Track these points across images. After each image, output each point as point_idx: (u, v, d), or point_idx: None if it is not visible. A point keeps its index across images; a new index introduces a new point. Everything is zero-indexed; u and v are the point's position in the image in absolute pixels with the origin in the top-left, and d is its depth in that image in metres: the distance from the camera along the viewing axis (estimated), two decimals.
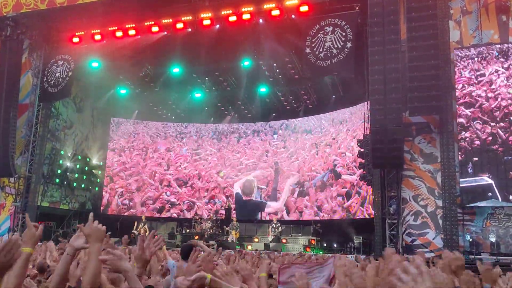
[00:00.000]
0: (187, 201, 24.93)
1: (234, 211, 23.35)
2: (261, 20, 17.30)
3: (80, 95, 23.06)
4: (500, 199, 13.71)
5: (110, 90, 23.60)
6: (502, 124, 14.10)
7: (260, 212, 23.44)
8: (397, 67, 14.43)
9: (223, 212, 23.40)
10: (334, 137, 22.37)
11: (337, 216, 21.27)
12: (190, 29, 18.03)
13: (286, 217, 22.86)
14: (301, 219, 22.43)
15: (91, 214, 2.51)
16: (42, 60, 20.44)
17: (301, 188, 23.13)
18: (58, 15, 18.72)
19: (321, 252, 17.29)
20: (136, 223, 20.87)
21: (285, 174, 23.86)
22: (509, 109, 14.05)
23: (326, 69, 16.25)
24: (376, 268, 2.55)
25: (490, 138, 14.13)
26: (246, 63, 20.64)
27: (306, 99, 23.43)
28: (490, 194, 13.86)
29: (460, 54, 14.83)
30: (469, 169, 14.33)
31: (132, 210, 24.55)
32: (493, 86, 14.33)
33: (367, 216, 19.04)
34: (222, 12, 17.34)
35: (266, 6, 16.92)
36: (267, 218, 22.79)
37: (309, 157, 23.37)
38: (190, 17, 17.85)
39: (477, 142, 14.25)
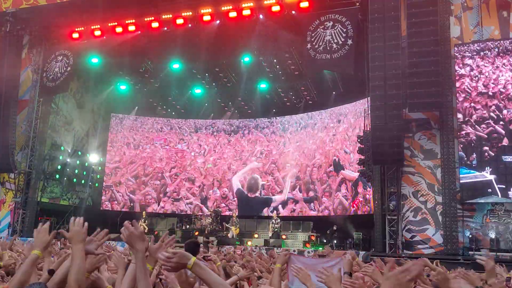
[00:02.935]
0: (187, 196, 24.94)
1: (236, 208, 23.57)
2: (261, 16, 17.26)
3: (80, 91, 23.06)
4: (500, 195, 13.71)
5: (110, 86, 23.61)
6: (502, 120, 14.08)
7: (265, 208, 23.48)
8: (397, 63, 14.41)
9: (224, 206, 23.56)
10: (334, 133, 22.37)
11: (337, 212, 21.28)
12: (190, 25, 17.99)
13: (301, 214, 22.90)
14: (301, 215, 22.45)
15: (71, 219, 2.57)
16: (42, 56, 20.41)
17: (301, 184, 23.14)
18: (57, 11, 18.65)
19: (321, 248, 17.29)
20: (141, 219, 20.82)
21: (285, 169, 23.88)
22: (509, 105, 14.03)
23: (325, 63, 16.18)
24: None
25: (490, 134, 14.12)
26: (246, 59, 20.62)
27: (306, 95, 23.42)
28: (490, 190, 13.86)
29: (460, 50, 14.80)
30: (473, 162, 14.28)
31: (132, 205, 24.57)
32: (493, 82, 14.30)
33: (367, 212, 19.06)
34: (222, 8, 17.31)
35: (266, 2, 16.89)
36: (269, 213, 22.86)
37: (309, 153, 23.36)
38: (190, 13, 17.81)
39: (477, 137, 14.23)
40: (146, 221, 20.65)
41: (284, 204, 23.34)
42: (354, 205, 20.51)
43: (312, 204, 22.58)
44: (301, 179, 23.25)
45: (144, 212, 21.85)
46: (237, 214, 21.19)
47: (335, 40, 15.68)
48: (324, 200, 22.05)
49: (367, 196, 19.40)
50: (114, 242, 15.77)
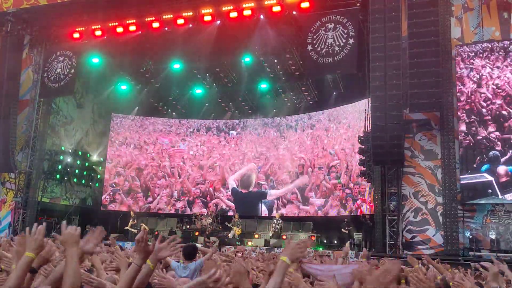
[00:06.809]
0: (186, 196, 24.93)
1: (232, 208, 23.51)
2: (262, 16, 17.25)
3: (80, 91, 23.04)
4: (500, 196, 13.71)
5: (110, 86, 23.63)
6: (502, 121, 14.08)
7: (260, 204, 23.40)
8: (398, 64, 14.42)
9: (223, 206, 23.57)
10: (335, 133, 22.35)
11: (337, 212, 21.26)
12: (191, 25, 17.99)
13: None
14: (301, 215, 22.45)
15: (63, 223, 2.52)
16: (43, 56, 20.38)
17: (301, 184, 23.14)
18: (58, 11, 18.66)
19: (321, 248, 17.30)
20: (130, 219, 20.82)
21: (285, 169, 23.89)
22: (509, 106, 14.03)
23: (328, 67, 16.15)
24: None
25: (490, 134, 14.12)
26: (247, 59, 20.63)
27: (307, 95, 23.42)
28: (490, 191, 13.86)
29: (461, 51, 14.80)
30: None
31: (132, 206, 24.55)
32: (493, 83, 14.30)
33: (367, 212, 19.05)
34: (223, 8, 17.31)
35: (267, 2, 16.89)
36: (268, 212, 22.86)
37: (309, 153, 23.35)
38: (191, 13, 17.81)
39: (477, 138, 14.23)
40: (135, 220, 20.61)
41: (283, 202, 23.35)
42: (354, 205, 20.50)
43: (311, 204, 22.56)
44: (300, 179, 23.22)
45: (132, 212, 21.69)
46: (237, 214, 21.15)
47: (337, 43, 15.64)
48: (323, 200, 22.03)
49: (367, 197, 19.40)
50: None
